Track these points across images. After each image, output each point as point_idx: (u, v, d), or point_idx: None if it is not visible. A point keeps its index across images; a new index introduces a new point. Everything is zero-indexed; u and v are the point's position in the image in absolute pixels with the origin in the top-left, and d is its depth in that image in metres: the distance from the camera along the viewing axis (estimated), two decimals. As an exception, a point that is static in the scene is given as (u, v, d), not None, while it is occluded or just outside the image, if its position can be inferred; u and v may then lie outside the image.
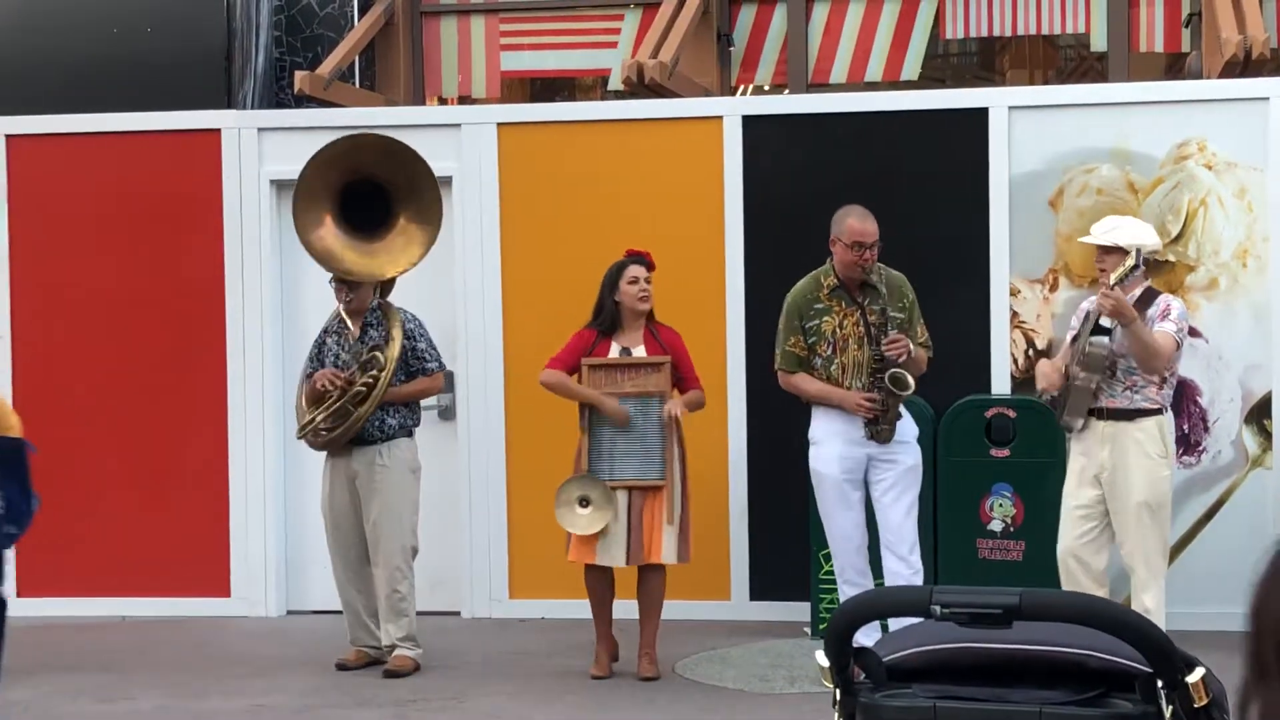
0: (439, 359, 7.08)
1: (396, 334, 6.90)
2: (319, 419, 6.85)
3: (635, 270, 6.77)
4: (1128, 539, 6.32)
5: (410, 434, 7.02)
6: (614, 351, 6.78)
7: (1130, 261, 6.19)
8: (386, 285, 7.12)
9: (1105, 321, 6.27)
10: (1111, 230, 6.37)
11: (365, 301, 6.97)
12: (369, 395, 6.81)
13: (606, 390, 6.73)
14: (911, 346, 6.46)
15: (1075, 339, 6.46)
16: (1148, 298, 6.37)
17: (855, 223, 6.46)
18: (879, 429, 6.47)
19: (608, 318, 6.79)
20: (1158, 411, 6.35)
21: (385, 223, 6.93)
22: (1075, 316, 6.63)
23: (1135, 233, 6.38)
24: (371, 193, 6.93)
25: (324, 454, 7.04)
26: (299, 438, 7.05)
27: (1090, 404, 6.31)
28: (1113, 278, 6.19)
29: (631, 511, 6.68)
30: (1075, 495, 6.40)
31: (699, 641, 7.39)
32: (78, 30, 9.65)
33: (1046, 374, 6.49)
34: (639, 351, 6.78)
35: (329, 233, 6.93)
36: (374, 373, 6.84)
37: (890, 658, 2.64)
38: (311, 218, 6.93)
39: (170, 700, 6.55)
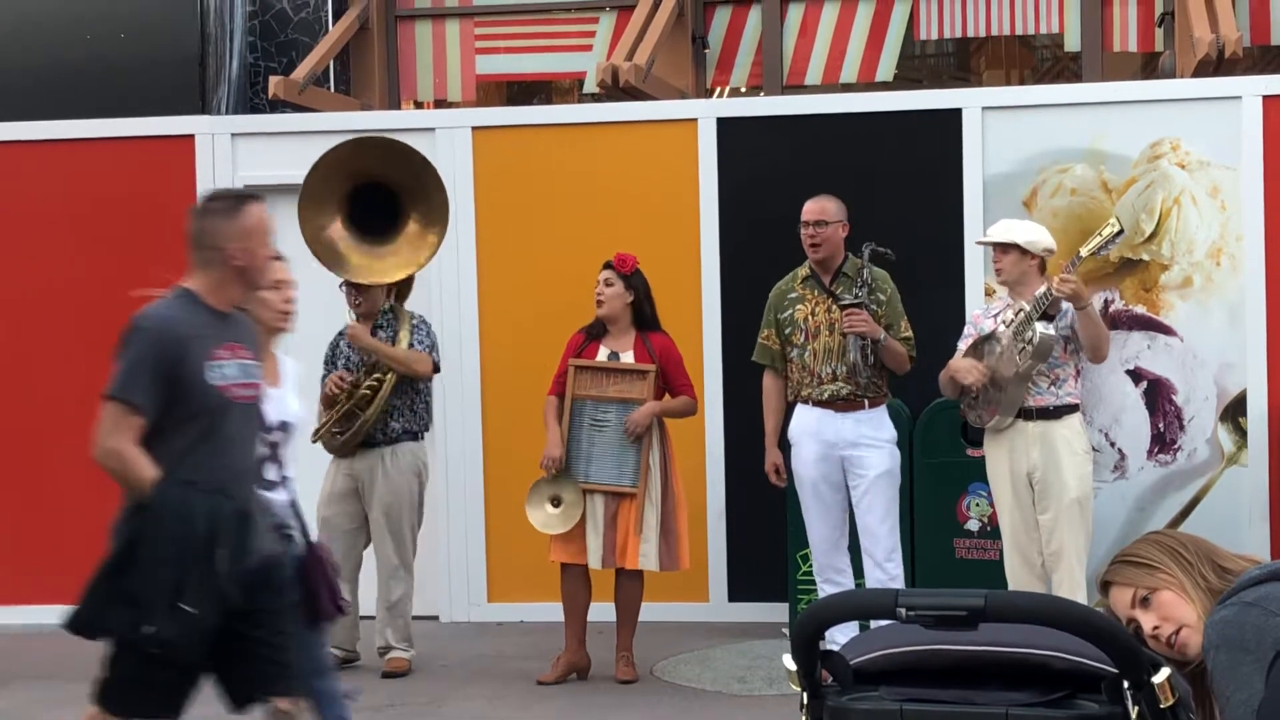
0: (430, 347, 6.93)
1: (404, 336, 6.88)
2: (331, 423, 6.86)
3: (600, 274, 6.82)
4: (1056, 537, 6.29)
5: (417, 437, 6.97)
6: (602, 354, 6.80)
7: (1109, 230, 6.20)
8: (403, 288, 7.09)
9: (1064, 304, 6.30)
10: (1006, 230, 6.47)
11: (376, 305, 6.95)
12: (373, 399, 6.80)
13: (591, 393, 6.74)
14: (882, 333, 6.51)
15: (985, 339, 6.44)
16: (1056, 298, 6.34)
17: (806, 205, 6.65)
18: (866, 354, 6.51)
19: (596, 321, 6.84)
20: (1078, 407, 6.40)
21: (394, 225, 6.88)
22: (981, 319, 6.60)
23: (1029, 231, 6.47)
24: (379, 195, 6.87)
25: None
26: (313, 441, 6.92)
27: (1025, 399, 6.32)
28: (1085, 250, 6.23)
29: (605, 515, 6.69)
30: (1016, 503, 6.36)
31: (677, 643, 7.39)
32: (51, 36, 9.63)
33: (967, 369, 6.40)
34: (627, 357, 6.78)
35: (337, 236, 6.88)
36: (378, 375, 6.83)
37: (857, 660, 2.64)
38: (318, 222, 6.86)
39: (147, 708, 6.52)
